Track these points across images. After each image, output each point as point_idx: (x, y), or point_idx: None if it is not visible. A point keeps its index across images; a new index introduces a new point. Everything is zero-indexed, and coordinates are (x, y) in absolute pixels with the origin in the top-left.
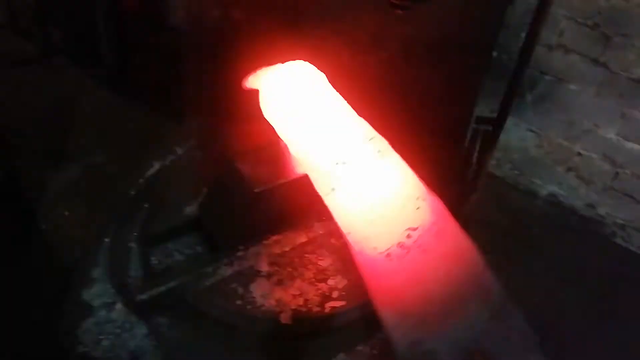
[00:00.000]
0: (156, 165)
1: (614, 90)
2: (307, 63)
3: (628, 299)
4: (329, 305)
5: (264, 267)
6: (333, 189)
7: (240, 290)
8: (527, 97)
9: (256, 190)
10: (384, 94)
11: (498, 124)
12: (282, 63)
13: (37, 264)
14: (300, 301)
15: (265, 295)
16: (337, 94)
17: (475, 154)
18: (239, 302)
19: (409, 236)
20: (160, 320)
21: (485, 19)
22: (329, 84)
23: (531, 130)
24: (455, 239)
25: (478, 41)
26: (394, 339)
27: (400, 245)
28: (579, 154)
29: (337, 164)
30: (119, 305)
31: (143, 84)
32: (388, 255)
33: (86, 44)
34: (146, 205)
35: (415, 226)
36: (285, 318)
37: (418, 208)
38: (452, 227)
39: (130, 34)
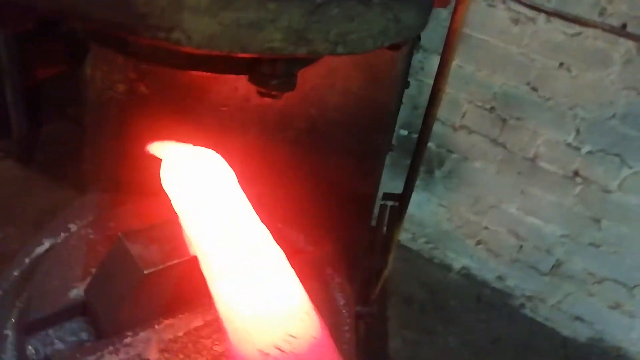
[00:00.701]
0: (46, 244)
1: (512, 168)
2: (217, 155)
3: None
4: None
5: (153, 355)
6: (221, 279)
7: None
8: (436, 174)
9: (146, 271)
10: (291, 172)
11: (404, 199)
12: (190, 144)
13: None
14: None
15: None
16: (244, 195)
17: (384, 229)
18: None
19: (288, 342)
20: None
21: (383, 101)
22: (237, 183)
23: (442, 205)
24: (327, 354)
25: (378, 121)
26: None
27: (278, 348)
28: (487, 227)
29: (231, 257)
30: None
31: (51, 155)
32: (267, 355)
33: None
34: (28, 288)
35: (295, 335)
36: None
37: (301, 320)
38: (327, 345)
39: (40, 106)
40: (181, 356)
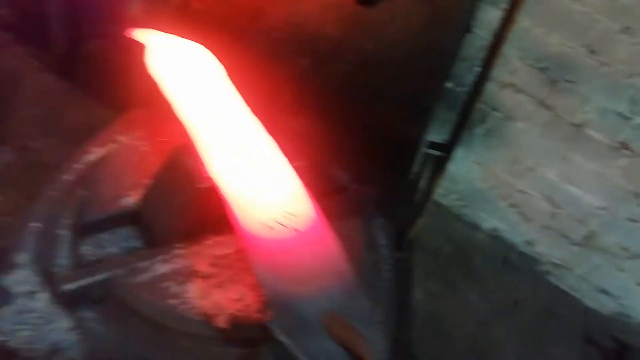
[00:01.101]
0: (96, 153)
1: (556, 133)
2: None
3: (556, 336)
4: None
5: (203, 268)
6: (222, 164)
7: (175, 289)
8: (476, 131)
9: (200, 186)
10: (339, 107)
11: (448, 150)
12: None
13: None
14: (240, 306)
15: (202, 297)
16: (233, 87)
17: (424, 179)
18: (172, 301)
19: (288, 219)
20: (86, 314)
21: (443, 43)
22: (225, 75)
23: (478, 164)
24: (324, 233)
25: (435, 64)
26: (266, 290)
27: (280, 222)
28: (521, 190)
29: (229, 146)
30: (42, 295)
31: (91, 71)
32: (269, 226)
33: (36, 24)
34: (81, 193)
35: (295, 213)
36: (221, 321)
37: (299, 202)
38: (323, 224)
39: (83, 21)
40: (230, 272)
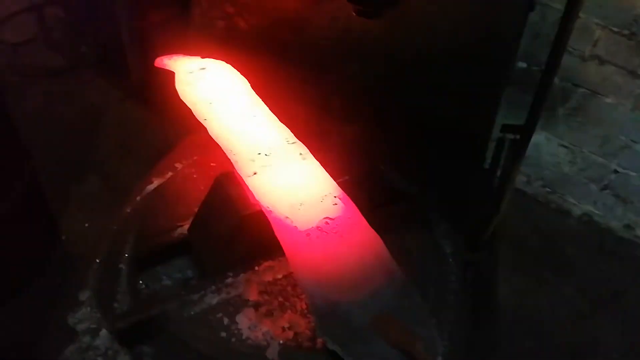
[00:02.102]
0: (155, 182)
1: None
2: (226, 65)
3: None
4: (321, 340)
5: (253, 296)
6: (255, 173)
7: (226, 320)
8: (558, 111)
9: (243, 213)
10: (394, 108)
11: (527, 131)
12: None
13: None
14: (290, 335)
15: (252, 327)
16: (258, 97)
17: (500, 166)
18: (223, 334)
19: (326, 223)
20: (145, 349)
21: (503, 27)
22: (250, 88)
23: (564, 146)
24: (365, 232)
25: (496, 51)
26: (312, 300)
27: (319, 229)
28: (616, 171)
29: (259, 153)
30: (103, 332)
31: (166, 97)
32: (308, 234)
33: (113, 56)
34: (138, 225)
35: (332, 217)
36: (271, 353)
37: (335, 204)
38: (363, 224)
39: (154, 49)
40: (280, 299)
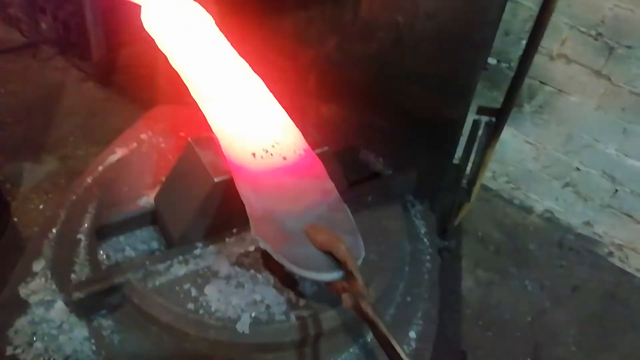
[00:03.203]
0: (118, 153)
1: (616, 104)
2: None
3: (623, 322)
4: (295, 313)
5: (224, 268)
6: (213, 99)
7: (194, 292)
8: (525, 108)
9: (216, 179)
10: (371, 90)
11: (503, 113)
12: None
13: (4, 260)
14: (262, 308)
15: (222, 300)
16: (221, 34)
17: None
18: (191, 305)
19: (273, 146)
20: (103, 322)
21: (483, 9)
22: (215, 25)
23: (529, 142)
24: (308, 156)
25: (475, 34)
26: (249, 206)
27: (265, 150)
28: (578, 169)
29: (219, 84)
30: (59, 304)
31: (128, 77)
32: (253, 154)
33: (75, 35)
34: (100, 195)
35: (280, 141)
36: (242, 326)
37: (285, 131)
38: (307, 150)
39: (117, 29)
40: (252, 271)
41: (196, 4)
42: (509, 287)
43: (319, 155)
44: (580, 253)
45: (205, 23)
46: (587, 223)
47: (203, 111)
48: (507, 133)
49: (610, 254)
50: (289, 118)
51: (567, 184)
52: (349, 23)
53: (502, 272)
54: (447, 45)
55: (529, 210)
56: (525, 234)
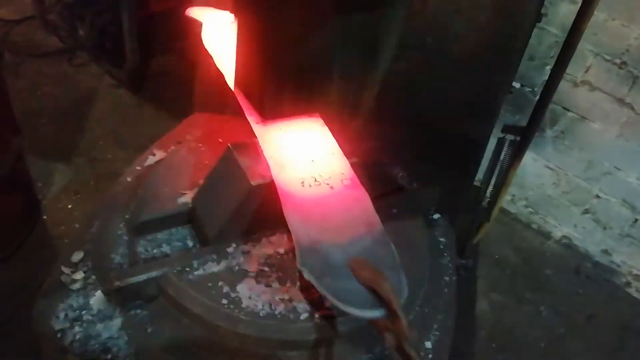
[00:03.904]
0: (157, 155)
1: (638, 133)
2: None
3: (636, 353)
4: (319, 314)
5: (253, 268)
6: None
7: (226, 288)
8: (547, 133)
9: (253, 183)
10: (400, 107)
11: (528, 132)
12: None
13: (34, 255)
14: (289, 306)
15: (252, 297)
16: None
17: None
18: (222, 300)
19: (321, 175)
20: (139, 312)
21: (511, 35)
22: None
23: (549, 168)
24: (355, 188)
25: (502, 57)
26: (296, 235)
27: (314, 179)
28: (598, 196)
29: None
30: (98, 293)
31: (160, 86)
32: (302, 183)
33: (110, 42)
34: (140, 193)
35: (328, 170)
36: (270, 322)
37: (334, 161)
38: (355, 181)
39: (152, 39)
40: (279, 273)
41: None
42: (524, 311)
43: (352, 165)
44: (597, 281)
45: None
46: (606, 251)
47: (256, 134)
48: (528, 157)
49: (628, 284)
50: (337, 146)
51: (586, 211)
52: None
53: (517, 296)
54: (474, 67)
55: (547, 235)
56: (542, 259)
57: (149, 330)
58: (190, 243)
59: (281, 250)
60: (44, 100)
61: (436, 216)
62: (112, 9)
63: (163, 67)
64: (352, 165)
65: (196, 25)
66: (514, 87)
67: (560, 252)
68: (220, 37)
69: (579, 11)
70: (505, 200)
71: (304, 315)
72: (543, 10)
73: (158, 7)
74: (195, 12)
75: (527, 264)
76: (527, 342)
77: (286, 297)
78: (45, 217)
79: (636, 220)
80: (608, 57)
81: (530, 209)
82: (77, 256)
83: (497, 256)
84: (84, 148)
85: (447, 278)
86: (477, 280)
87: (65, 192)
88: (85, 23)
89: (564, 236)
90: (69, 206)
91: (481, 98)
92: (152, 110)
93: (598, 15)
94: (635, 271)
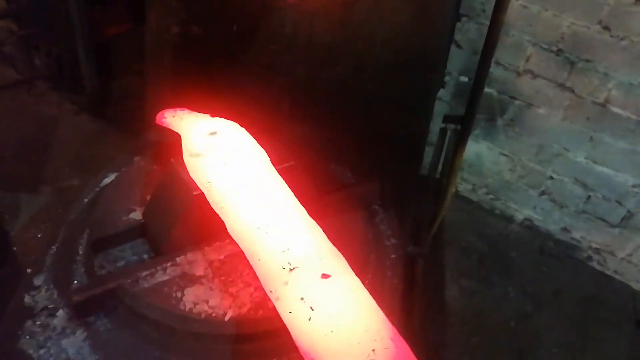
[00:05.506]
0: (111, 176)
1: (580, 114)
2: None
3: (604, 323)
4: (263, 310)
5: (200, 273)
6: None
7: (177, 293)
8: (497, 122)
9: (195, 193)
10: (338, 110)
11: (467, 120)
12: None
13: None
14: (236, 304)
15: (200, 300)
16: (274, 170)
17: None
18: (175, 304)
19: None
20: (99, 323)
21: (433, 36)
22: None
23: (504, 155)
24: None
25: (428, 57)
26: None
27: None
28: (551, 177)
29: (285, 267)
30: (60, 312)
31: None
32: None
33: (68, 70)
34: (95, 213)
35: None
36: (220, 322)
37: (374, 350)
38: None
39: (109, 63)
40: (222, 277)
41: (243, 130)
42: (492, 293)
43: (286, 169)
44: (560, 259)
45: (260, 161)
46: (565, 229)
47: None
48: (483, 146)
49: (589, 258)
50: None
51: (542, 193)
52: (314, 52)
53: (486, 281)
54: (402, 68)
55: (509, 219)
56: (507, 242)
57: (110, 339)
58: (145, 255)
59: (222, 257)
60: (5, 133)
61: (378, 209)
62: (67, 36)
63: (123, 90)
64: (290, 167)
65: (171, 135)
66: (463, 81)
67: (523, 234)
68: (203, 157)
69: (495, 3)
70: (466, 189)
71: (251, 314)
72: (480, 6)
73: (112, 32)
74: (168, 120)
75: (493, 248)
76: (497, 323)
77: (230, 298)
78: (15, 248)
79: (589, 197)
80: (545, 46)
81: (491, 196)
82: (38, 279)
83: (463, 244)
84: (50, 177)
85: (390, 271)
86: (446, 269)
87: (33, 222)
88: (41, 52)
89: (525, 219)
90: (39, 235)
91: (413, 95)
92: (115, 132)
93: (532, 7)
94: (594, 245)
